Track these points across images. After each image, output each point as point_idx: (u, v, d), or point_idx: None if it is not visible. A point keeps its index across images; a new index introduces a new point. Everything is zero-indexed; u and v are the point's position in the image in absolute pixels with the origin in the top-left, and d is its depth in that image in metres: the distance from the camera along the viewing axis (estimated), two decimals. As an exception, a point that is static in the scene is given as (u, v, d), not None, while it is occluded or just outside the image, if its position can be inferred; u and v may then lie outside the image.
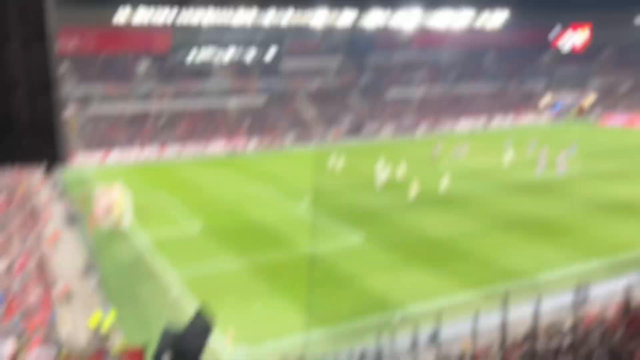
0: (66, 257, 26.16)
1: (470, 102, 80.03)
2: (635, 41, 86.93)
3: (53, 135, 4.00)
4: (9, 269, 20.79)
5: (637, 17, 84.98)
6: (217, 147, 60.76)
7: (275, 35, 77.83)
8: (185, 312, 19.60)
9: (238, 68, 74.73)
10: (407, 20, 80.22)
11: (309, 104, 72.86)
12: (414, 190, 36.46)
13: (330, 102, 73.75)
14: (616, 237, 27.80)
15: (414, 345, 17.23)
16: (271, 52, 78.09)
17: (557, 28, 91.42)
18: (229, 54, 75.89)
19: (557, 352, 10.87)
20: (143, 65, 69.22)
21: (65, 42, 63.58)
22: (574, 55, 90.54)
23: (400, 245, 27.56)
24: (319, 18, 74.42)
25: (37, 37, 3.87)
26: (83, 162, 50.84)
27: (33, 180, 38.90)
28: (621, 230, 28.82)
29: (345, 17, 76.36)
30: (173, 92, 67.79)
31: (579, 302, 13.38)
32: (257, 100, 70.91)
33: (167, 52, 72.06)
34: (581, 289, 13.82)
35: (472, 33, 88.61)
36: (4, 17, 3.76)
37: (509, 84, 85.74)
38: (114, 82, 65.46)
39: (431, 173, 43.58)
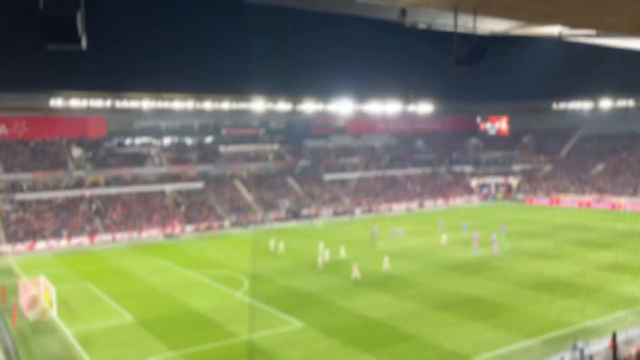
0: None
1: (404, 184, 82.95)
2: (553, 127, 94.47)
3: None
4: None
5: (554, 104, 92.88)
6: (153, 232, 59.23)
7: (214, 121, 79.15)
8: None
9: (176, 153, 74.67)
10: (340, 109, 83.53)
11: (248, 188, 73.10)
12: (355, 271, 36.77)
13: (269, 186, 74.36)
14: (547, 315, 28.68)
15: None
16: (209, 138, 78.93)
17: (479, 119, 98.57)
18: (166, 139, 76.00)
19: None
20: (76, 151, 67.90)
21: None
22: (498, 141, 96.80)
23: (341, 330, 27.21)
24: (257, 105, 76.41)
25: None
26: (7, 252, 48.07)
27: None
28: (551, 308, 29.79)
29: (282, 106, 78.76)
30: (108, 177, 66.48)
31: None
32: (194, 185, 70.51)
33: (103, 137, 71.35)
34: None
35: (403, 121, 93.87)
36: None
37: (439, 167, 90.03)
38: (46, 168, 63.60)
39: (371, 254, 44.16)
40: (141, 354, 24.98)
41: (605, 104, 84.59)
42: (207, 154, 76.53)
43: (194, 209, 65.54)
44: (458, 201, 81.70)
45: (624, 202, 69.98)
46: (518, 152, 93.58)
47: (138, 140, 74.57)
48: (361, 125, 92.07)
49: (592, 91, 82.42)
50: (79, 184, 64.22)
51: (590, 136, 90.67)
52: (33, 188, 61.47)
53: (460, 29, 11.54)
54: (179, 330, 27.98)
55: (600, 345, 22.85)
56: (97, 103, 66.79)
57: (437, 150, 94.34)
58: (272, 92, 74.19)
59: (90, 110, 67.98)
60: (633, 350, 20.70)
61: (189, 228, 61.51)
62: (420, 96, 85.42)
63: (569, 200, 76.41)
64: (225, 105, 74.25)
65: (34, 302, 29.72)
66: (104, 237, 56.72)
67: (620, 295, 30.85)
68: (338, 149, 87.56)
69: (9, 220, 55.48)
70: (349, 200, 75.49)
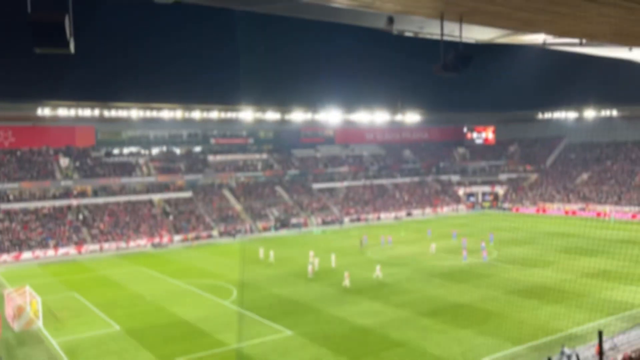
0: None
1: (392, 193, 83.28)
2: (539, 137, 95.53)
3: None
4: None
5: (539, 114, 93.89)
6: (141, 242, 58.85)
7: (202, 130, 79.07)
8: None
9: (164, 162, 74.40)
10: (329, 118, 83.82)
11: (236, 197, 72.95)
12: (346, 279, 36.86)
13: (257, 195, 74.28)
14: (535, 321, 28.89)
15: None
16: (198, 147, 78.77)
17: (465, 129, 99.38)
18: (155, 149, 75.71)
19: None
20: (64, 161, 67.43)
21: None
22: (484, 151, 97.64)
23: (330, 338, 27.19)
24: (245, 114, 76.42)
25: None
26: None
27: None
28: (539, 315, 30.02)
29: (271, 115, 78.87)
30: (95, 187, 66.02)
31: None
32: (183, 194, 70.23)
33: (91, 147, 70.94)
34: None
35: (390, 131, 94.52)
36: None
37: (427, 176, 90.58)
38: (33, 178, 63.05)
39: (361, 261, 44.24)
40: (129, 364, 24.78)
41: (590, 113, 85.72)
42: (196, 164, 76.34)
43: (183, 219, 65.25)
44: (446, 210, 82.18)
45: (608, 210, 70.81)
46: (504, 162, 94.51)
47: (126, 150, 74.20)
48: (349, 135, 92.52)
49: (576, 101, 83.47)
50: (66, 193, 63.68)
51: (575, 145, 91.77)
52: (19, 198, 60.86)
53: (446, 38, 11.74)
54: (167, 339, 27.78)
55: (588, 351, 23.07)
56: (85, 112, 66.31)
57: (424, 159, 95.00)
58: (261, 101, 74.33)
59: (78, 119, 67.54)
60: (619, 357, 20.91)
61: (177, 237, 61.19)
62: (408, 106, 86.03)
63: (555, 208, 77.16)
64: (214, 114, 74.14)
65: (19, 312, 29.37)
66: (91, 247, 56.25)
67: (605, 301, 31.22)
68: (327, 159, 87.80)
69: (-6, 231, 54.83)
70: (337, 209, 75.61)
